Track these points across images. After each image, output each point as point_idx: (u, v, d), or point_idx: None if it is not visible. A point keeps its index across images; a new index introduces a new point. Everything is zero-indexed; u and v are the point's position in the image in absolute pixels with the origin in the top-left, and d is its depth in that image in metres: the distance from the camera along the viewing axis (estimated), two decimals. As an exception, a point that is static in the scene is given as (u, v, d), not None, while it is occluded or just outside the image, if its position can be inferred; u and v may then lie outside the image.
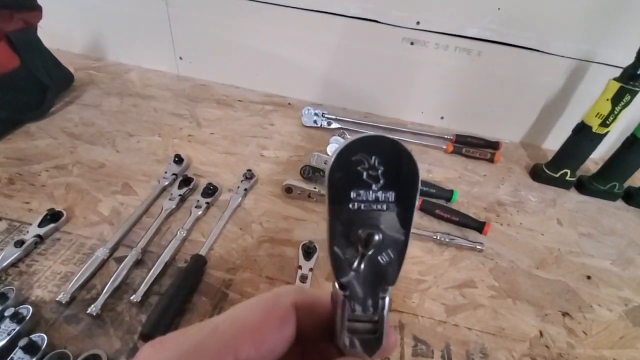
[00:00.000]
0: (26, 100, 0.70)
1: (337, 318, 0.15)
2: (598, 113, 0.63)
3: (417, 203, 0.57)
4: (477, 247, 0.53)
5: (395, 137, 0.65)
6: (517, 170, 0.75)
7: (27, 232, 0.47)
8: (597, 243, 0.60)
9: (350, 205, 0.15)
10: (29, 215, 0.51)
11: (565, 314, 0.47)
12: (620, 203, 0.70)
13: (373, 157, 0.14)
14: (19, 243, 0.46)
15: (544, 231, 0.60)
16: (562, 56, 0.72)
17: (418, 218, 0.58)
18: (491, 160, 0.74)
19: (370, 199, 0.15)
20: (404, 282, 0.48)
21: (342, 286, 0.15)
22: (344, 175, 0.14)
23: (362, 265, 0.15)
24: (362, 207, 0.15)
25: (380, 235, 0.15)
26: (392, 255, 0.16)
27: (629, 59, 0.60)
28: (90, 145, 0.65)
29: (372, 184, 0.15)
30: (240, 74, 0.88)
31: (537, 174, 0.72)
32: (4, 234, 0.48)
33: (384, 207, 0.15)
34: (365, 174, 0.14)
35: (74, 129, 0.69)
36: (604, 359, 0.43)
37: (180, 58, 0.89)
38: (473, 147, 0.76)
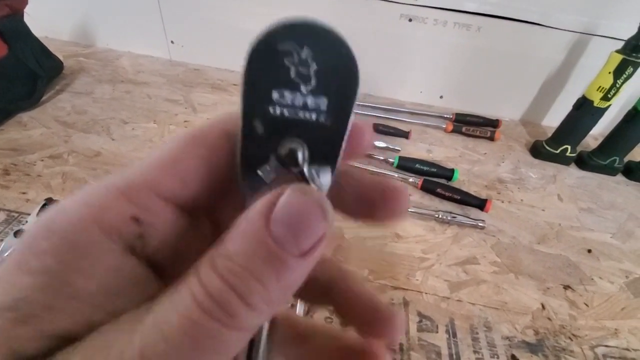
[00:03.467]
0: (16, 89, 0.68)
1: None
2: (600, 87, 0.62)
3: (419, 182, 0.57)
4: (479, 224, 0.53)
5: (396, 117, 0.63)
6: (517, 147, 0.74)
7: (26, 222, 0.47)
8: (597, 217, 0.60)
9: (271, 109, 0.12)
10: (26, 205, 0.50)
11: (566, 287, 0.48)
12: (620, 177, 0.70)
13: (305, 50, 0.11)
14: (19, 233, 0.45)
15: (544, 207, 0.60)
16: (564, 29, 0.71)
17: (419, 197, 0.58)
18: (491, 139, 0.74)
19: (297, 103, 0.12)
20: (407, 261, 0.48)
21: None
22: (265, 67, 0.11)
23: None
24: (286, 113, 0.12)
25: (306, 152, 0.12)
26: (324, 169, 0.12)
27: (631, 31, 0.58)
28: (85, 133, 0.64)
29: (301, 84, 0.11)
30: (234, 58, 0.86)
31: (537, 150, 0.72)
32: (3, 224, 0.47)
33: (314, 116, 0.12)
34: (293, 70, 0.11)
35: (67, 117, 0.67)
36: (606, 330, 0.43)
37: (172, 42, 0.86)
38: (473, 126, 0.75)
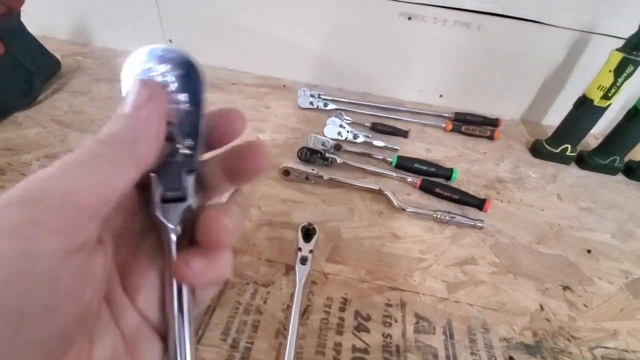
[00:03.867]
0: (12, 88, 0.67)
1: (151, 195, 0.17)
2: (600, 85, 0.62)
3: (417, 181, 0.57)
4: (478, 224, 0.52)
5: (395, 116, 0.62)
6: (517, 147, 0.74)
7: (21, 222, 0.47)
8: (597, 217, 0.59)
9: None
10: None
11: (565, 288, 0.47)
12: (620, 177, 0.70)
13: (164, 67, 0.17)
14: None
15: (544, 207, 0.60)
16: (564, 28, 0.70)
17: (418, 197, 0.58)
18: (491, 138, 0.73)
19: (170, 99, 0.17)
20: (405, 261, 0.48)
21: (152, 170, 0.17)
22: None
23: (167, 155, 0.17)
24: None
25: (177, 129, 0.17)
26: (191, 144, 0.17)
27: (631, 29, 0.58)
28: (82, 133, 0.64)
29: (168, 87, 0.17)
30: (233, 56, 0.86)
31: (537, 150, 0.71)
32: (-2, 224, 0.47)
33: (180, 106, 0.17)
34: (160, 78, 0.17)
35: (64, 116, 0.67)
36: (605, 331, 0.43)
37: (170, 41, 0.86)
38: (472, 125, 0.74)
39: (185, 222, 0.17)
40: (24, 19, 0.71)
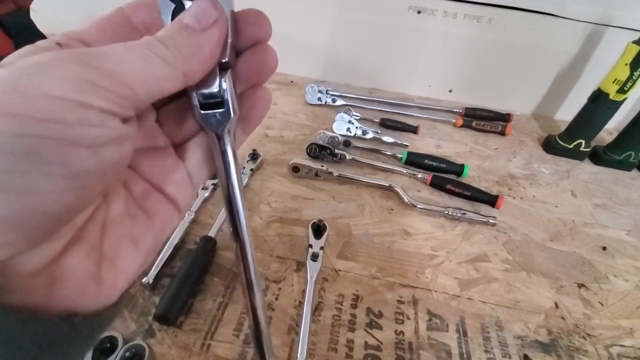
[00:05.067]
0: (24, 86, 0.68)
1: (190, 99, 0.17)
2: (616, 79, 0.60)
3: (428, 178, 0.56)
4: (490, 221, 0.52)
5: (404, 112, 0.62)
6: (529, 142, 0.73)
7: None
8: (612, 214, 0.58)
9: None
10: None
11: (580, 286, 0.46)
12: (635, 173, 0.68)
13: None
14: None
15: (557, 203, 0.59)
16: (578, 20, 0.69)
17: (428, 194, 0.57)
18: (502, 133, 0.72)
19: None
20: (416, 258, 0.47)
21: None
22: None
23: None
24: None
25: None
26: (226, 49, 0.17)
27: (650, 20, 0.56)
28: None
29: None
30: (241, 52, 0.85)
31: (550, 145, 0.70)
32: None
33: None
34: None
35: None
36: (621, 329, 0.42)
37: (178, 37, 0.86)
38: (483, 120, 0.73)
39: (227, 119, 0.17)
40: (33, 16, 0.72)
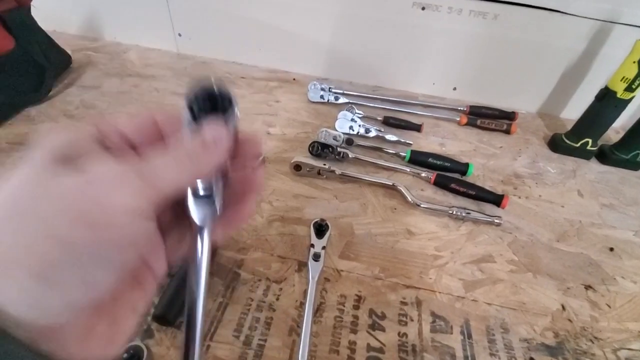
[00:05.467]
0: (24, 83, 0.68)
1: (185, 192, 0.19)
2: (623, 77, 0.59)
3: (432, 177, 0.55)
4: (495, 221, 0.51)
5: (408, 110, 0.61)
6: (534, 141, 0.72)
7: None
8: (619, 214, 0.57)
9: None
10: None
11: (588, 287, 0.45)
12: (643, 172, 0.67)
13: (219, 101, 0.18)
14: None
15: (564, 203, 0.58)
16: (584, 17, 0.67)
17: (432, 192, 0.56)
18: (507, 132, 0.71)
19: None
20: (420, 259, 0.46)
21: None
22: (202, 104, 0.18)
23: None
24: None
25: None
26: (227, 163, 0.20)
27: (660, 16, 0.55)
28: (93, 127, 0.63)
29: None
30: (242, 50, 0.84)
31: (556, 144, 0.69)
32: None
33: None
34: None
35: (75, 111, 0.67)
36: (629, 332, 0.41)
37: (180, 35, 0.85)
38: (488, 119, 0.72)
39: (211, 214, 0.19)
40: (34, 13, 0.71)
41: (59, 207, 0.14)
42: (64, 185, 0.14)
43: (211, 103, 0.18)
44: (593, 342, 0.40)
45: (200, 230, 0.19)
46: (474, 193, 0.54)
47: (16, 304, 0.13)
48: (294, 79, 0.82)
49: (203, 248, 0.19)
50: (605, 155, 0.68)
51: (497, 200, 0.52)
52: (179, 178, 0.17)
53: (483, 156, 0.65)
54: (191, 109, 0.18)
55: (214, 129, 0.18)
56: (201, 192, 0.19)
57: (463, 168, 0.58)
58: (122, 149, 0.18)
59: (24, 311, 0.13)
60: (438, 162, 0.59)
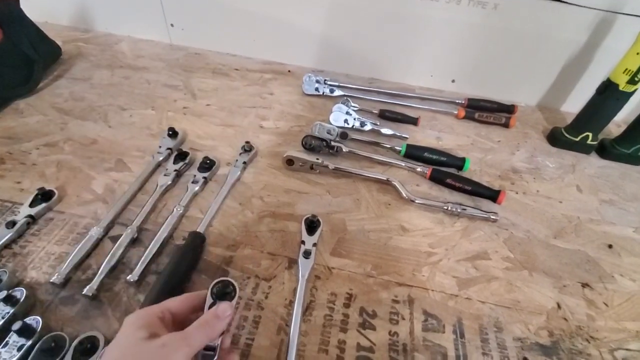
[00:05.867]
0: (12, 75, 0.66)
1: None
2: (626, 69, 0.57)
3: (427, 171, 0.54)
4: (491, 217, 0.50)
5: (404, 103, 0.60)
6: (533, 135, 0.70)
7: (19, 212, 0.46)
8: (619, 210, 0.56)
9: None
10: (20, 195, 0.49)
11: (585, 285, 0.44)
12: (644, 167, 0.66)
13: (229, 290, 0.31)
14: (11, 224, 0.44)
15: (562, 199, 0.56)
16: (586, 7, 0.65)
17: (427, 188, 0.55)
18: (506, 125, 0.70)
19: None
20: (413, 255, 0.45)
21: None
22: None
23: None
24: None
25: None
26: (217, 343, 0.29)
27: (664, 6, 0.53)
28: (82, 120, 0.62)
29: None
30: (236, 41, 0.83)
31: (555, 138, 0.67)
32: (-4, 214, 0.46)
33: None
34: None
35: (64, 104, 0.66)
36: (627, 332, 0.40)
37: (172, 25, 0.83)
38: (486, 112, 0.71)
39: None
40: (24, 5, 0.69)
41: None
42: (149, 346, 0.25)
43: (224, 290, 0.31)
44: (589, 342, 0.39)
45: None
46: (470, 188, 0.52)
47: None
48: (288, 71, 0.81)
49: None
50: (605, 150, 0.66)
51: (493, 195, 0.51)
52: (203, 338, 0.27)
53: (480, 150, 0.64)
54: (212, 293, 0.30)
55: (224, 306, 0.29)
56: (209, 347, 0.28)
57: (459, 163, 0.57)
58: (170, 321, 0.29)
59: None
60: (434, 157, 0.58)
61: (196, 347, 0.26)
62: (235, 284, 0.31)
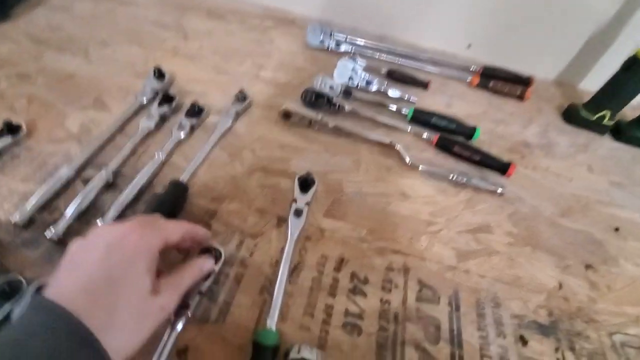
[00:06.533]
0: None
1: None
2: (660, 43, 0.52)
3: (434, 138, 0.50)
4: (498, 190, 0.46)
5: (415, 64, 0.55)
6: (547, 110, 0.66)
7: (-19, 144, 0.41)
8: (628, 193, 0.53)
9: None
10: (-15, 127, 0.44)
11: (588, 267, 0.42)
12: (657, 153, 0.62)
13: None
14: (-29, 157, 0.39)
15: (572, 177, 0.53)
16: (626, -29, 0.59)
17: (433, 155, 0.51)
18: (521, 98, 0.65)
19: None
20: (412, 223, 0.42)
21: None
22: None
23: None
24: None
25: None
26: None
27: None
28: (58, 52, 0.56)
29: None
30: (236, -19, 0.75)
31: (571, 115, 0.63)
32: (-46, 145, 0.41)
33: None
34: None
35: (40, 34, 0.59)
36: (626, 316, 0.38)
37: (165, -43, 0.75)
38: (502, 81, 0.66)
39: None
40: None
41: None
42: (152, 305, 0.25)
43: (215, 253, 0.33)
44: (588, 324, 0.37)
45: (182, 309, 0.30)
46: (479, 159, 0.49)
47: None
48: (292, 20, 0.74)
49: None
50: (620, 132, 0.62)
51: (503, 168, 0.48)
52: (189, 284, 0.28)
53: (491, 121, 0.60)
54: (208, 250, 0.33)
55: (208, 260, 0.31)
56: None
57: (469, 131, 0.53)
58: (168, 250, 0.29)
59: None
60: (442, 123, 0.53)
61: (182, 294, 0.27)
62: (222, 251, 0.33)
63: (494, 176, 0.49)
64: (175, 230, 0.28)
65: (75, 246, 0.25)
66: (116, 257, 0.23)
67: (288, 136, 0.50)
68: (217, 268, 0.33)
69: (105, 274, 0.23)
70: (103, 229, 0.26)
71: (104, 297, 0.22)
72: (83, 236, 0.25)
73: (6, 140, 0.42)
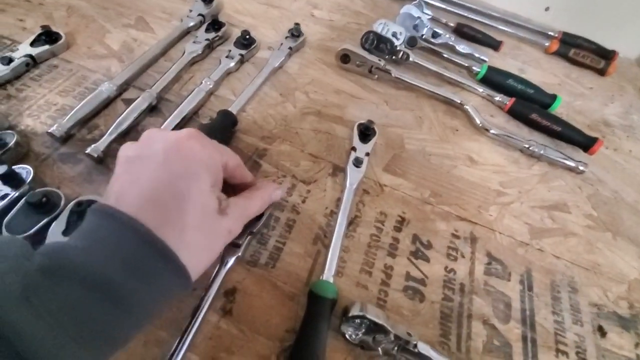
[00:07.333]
0: None
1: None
2: None
3: (508, 102, 0.44)
4: (580, 167, 0.41)
5: (487, 21, 0.51)
6: (630, 90, 0.58)
7: (17, 50, 0.37)
8: None
9: None
10: (22, 34, 0.41)
11: (674, 263, 0.37)
12: None
13: None
14: (6, 60, 0.36)
15: (657, 165, 0.47)
16: None
17: (503, 121, 0.46)
18: (602, 72, 0.57)
19: None
20: (481, 191, 0.38)
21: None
22: None
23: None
24: None
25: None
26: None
27: None
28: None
29: None
30: None
31: (659, 97, 0.56)
32: (-9, 48, 0.38)
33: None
34: None
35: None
36: None
37: None
38: (584, 51, 0.58)
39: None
40: None
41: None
42: (219, 226, 0.22)
43: None
44: (674, 323, 0.32)
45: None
46: (560, 129, 0.43)
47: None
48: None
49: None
50: None
51: (587, 143, 0.42)
52: (257, 210, 0.27)
53: (569, 94, 0.53)
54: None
55: (280, 188, 0.30)
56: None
57: (548, 100, 0.47)
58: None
59: None
60: (519, 87, 0.47)
61: (248, 220, 0.25)
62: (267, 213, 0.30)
63: (571, 152, 0.43)
64: (234, 155, 0.25)
65: (130, 151, 0.21)
66: (177, 168, 0.20)
67: (345, 82, 0.45)
68: (267, 212, 0.30)
69: (169, 188, 0.19)
70: (156, 133, 0.22)
71: (172, 212, 0.19)
72: (133, 141, 0.22)
73: (44, 48, 0.38)
